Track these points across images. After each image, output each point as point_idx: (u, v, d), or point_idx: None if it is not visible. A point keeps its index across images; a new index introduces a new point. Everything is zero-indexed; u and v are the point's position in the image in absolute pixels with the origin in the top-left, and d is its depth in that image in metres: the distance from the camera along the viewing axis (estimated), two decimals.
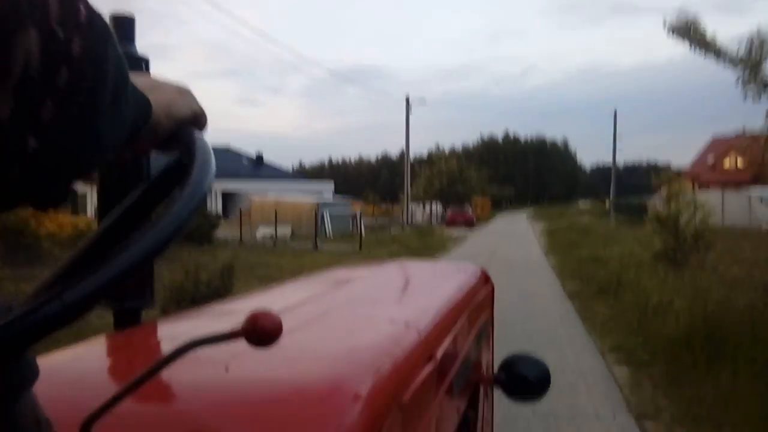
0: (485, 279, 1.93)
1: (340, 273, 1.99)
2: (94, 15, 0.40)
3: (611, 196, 36.29)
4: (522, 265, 13.12)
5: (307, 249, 19.93)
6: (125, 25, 1.08)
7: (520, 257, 14.90)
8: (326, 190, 49.95)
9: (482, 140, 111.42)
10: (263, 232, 25.24)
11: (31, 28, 0.35)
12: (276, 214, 22.39)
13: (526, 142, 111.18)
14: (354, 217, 25.82)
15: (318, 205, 24.07)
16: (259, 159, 49.60)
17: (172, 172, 0.61)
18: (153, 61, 1.14)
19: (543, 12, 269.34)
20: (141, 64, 1.10)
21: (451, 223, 34.25)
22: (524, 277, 11.26)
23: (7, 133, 0.36)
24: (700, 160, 53.98)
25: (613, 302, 7.87)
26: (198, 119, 0.61)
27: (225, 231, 24.78)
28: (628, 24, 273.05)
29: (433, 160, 49.37)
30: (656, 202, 39.59)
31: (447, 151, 50.52)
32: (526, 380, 1.56)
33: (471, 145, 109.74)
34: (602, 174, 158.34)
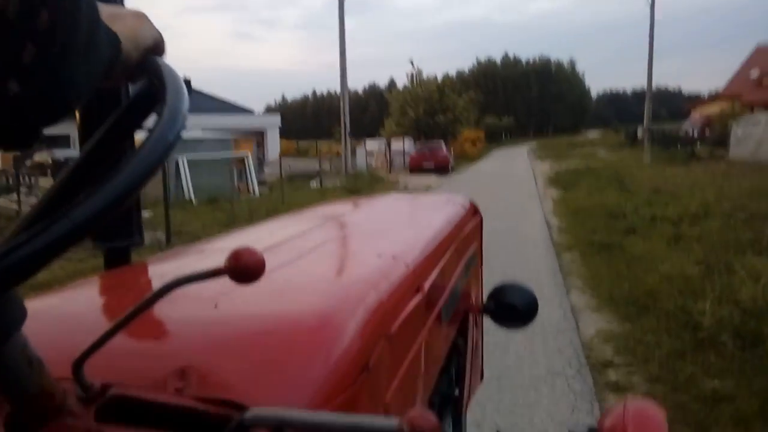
0: (473, 210, 1.87)
1: (327, 208, 1.88)
2: None
3: (645, 121, 25.79)
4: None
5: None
6: None
7: (501, 266, 5.23)
8: (270, 126, 39.49)
9: (479, 63, 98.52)
10: None
11: None
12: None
13: (528, 64, 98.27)
14: (243, 164, 15.81)
15: None
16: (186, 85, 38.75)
17: (142, 99, 0.61)
18: None
19: None
20: None
21: (415, 167, 23.55)
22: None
23: None
24: (741, 76, 43.78)
25: None
26: (159, 45, 0.59)
27: None
28: None
29: (412, 86, 38.54)
30: (688, 129, 29.60)
31: (439, 78, 38.92)
32: (515, 308, 1.60)
33: (466, 71, 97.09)
34: (611, 101, 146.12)
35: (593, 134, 78.49)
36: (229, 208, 12.47)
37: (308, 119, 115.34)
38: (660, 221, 8.66)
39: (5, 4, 0.34)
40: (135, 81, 0.60)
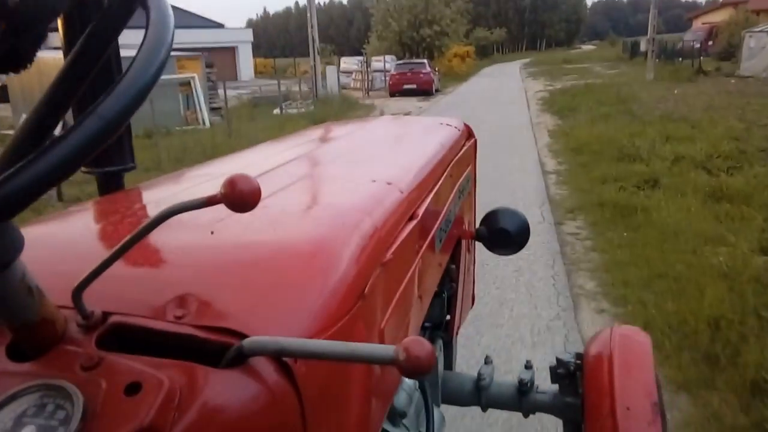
0: (468, 133, 1.85)
1: (321, 131, 1.83)
2: None
3: (649, 31, 23.13)
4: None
5: None
6: None
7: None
8: (242, 42, 36.35)
9: None
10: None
11: None
12: None
13: None
14: (190, 87, 13.58)
15: None
16: None
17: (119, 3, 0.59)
18: None
19: None
20: None
21: (395, 89, 21.05)
22: None
23: None
24: None
25: None
26: None
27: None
28: None
29: None
30: (691, 41, 27.03)
31: None
32: (507, 233, 1.62)
33: None
34: (606, 11, 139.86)
35: (588, 48, 75.33)
36: (165, 145, 10.47)
37: (292, 35, 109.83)
38: (686, 164, 6.81)
39: None
40: None
